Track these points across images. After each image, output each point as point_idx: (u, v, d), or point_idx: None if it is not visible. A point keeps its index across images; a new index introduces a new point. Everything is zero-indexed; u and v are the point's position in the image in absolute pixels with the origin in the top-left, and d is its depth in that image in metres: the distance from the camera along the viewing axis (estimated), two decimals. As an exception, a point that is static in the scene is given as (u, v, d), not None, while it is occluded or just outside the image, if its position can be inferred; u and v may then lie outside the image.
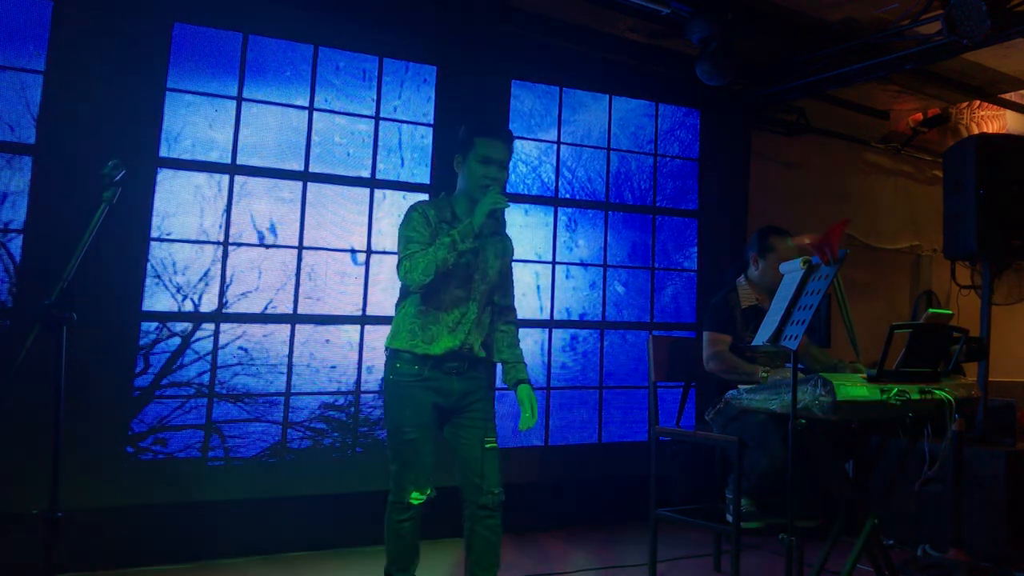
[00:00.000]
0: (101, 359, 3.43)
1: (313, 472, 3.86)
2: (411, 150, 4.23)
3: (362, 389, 4.03)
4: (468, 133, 2.67)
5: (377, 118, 4.15)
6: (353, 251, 4.05)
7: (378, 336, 4.06)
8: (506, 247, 2.81)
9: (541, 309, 4.57)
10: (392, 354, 2.65)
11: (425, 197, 4.20)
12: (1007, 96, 5.68)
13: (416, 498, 2.59)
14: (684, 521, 3.48)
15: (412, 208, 2.64)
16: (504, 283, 2.80)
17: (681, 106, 5.11)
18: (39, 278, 3.31)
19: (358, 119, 4.10)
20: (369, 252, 4.08)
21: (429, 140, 4.27)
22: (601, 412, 4.73)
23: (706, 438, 3.39)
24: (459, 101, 4.32)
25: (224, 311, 3.73)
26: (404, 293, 2.67)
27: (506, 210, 4.50)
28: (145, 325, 3.56)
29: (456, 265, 2.52)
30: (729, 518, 3.18)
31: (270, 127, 3.88)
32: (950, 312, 2.82)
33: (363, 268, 4.07)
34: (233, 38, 3.81)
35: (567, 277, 4.68)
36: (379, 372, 4.07)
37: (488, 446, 2.64)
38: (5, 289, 3.31)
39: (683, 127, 5.15)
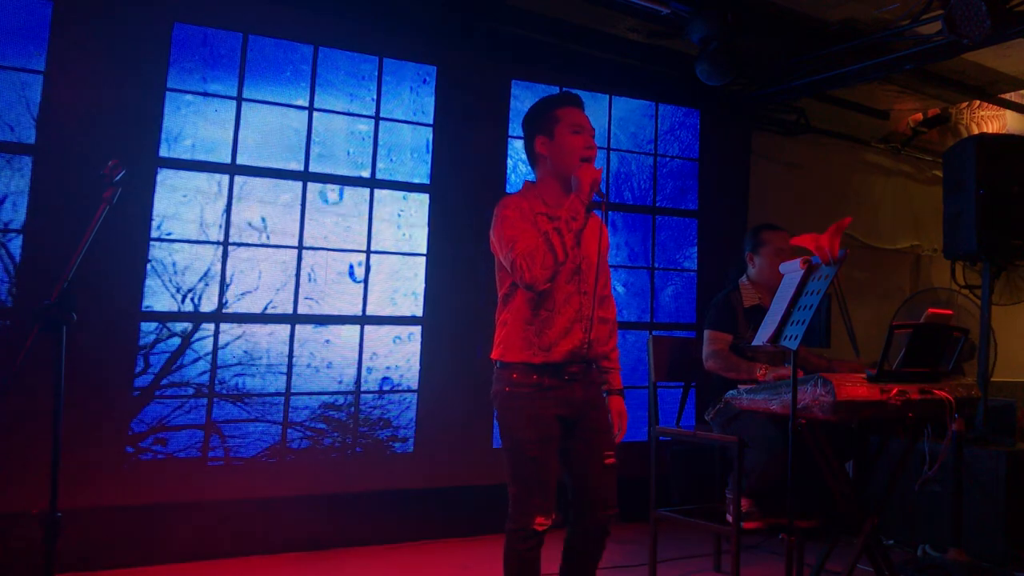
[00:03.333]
0: (101, 359, 3.43)
1: (313, 472, 3.86)
2: (411, 150, 4.23)
3: (362, 389, 4.03)
4: (546, 109, 2.40)
5: (377, 118, 4.15)
6: (352, 261, 4.05)
7: (378, 336, 4.07)
8: (601, 226, 2.47)
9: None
10: (504, 367, 2.35)
11: (426, 197, 4.23)
12: (1007, 96, 5.68)
13: (542, 523, 2.26)
14: (684, 521, 3.47)
15: (502, 206, 2.34)
16: (604, 268, 2.50)
17: (681, 106, 5.11)
18: (39, 278, 3.31)
19: (358, 119, 4.10)
20: (369, 252, 4.08)
21: (429, 140, 4.27)
22: (601, 412, 4.72)
23: (706, 438, 3.38)
24: (459, 101, 4.32)
25: (224, 311, 3.72)
26: (507, 299, 2.38)
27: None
28: (145, 325, 3.56)
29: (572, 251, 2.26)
30: (729, 518, 3.18)
31: (270, 127, 3.88)
32: (950, 312, 2.82)
33: (363, 269, 4.07)
34: (233, 38, 3.81)
35: (567, 277, 4.68)
36: (379, 372, 4.08)
37: (608, 462, 2.38)
38: (5, 289, 3.31)
39: (683, 127, 5.15)
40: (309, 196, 3.95)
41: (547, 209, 2.36)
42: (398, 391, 4.12)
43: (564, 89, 4.66)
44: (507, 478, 2.30)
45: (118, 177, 2.11)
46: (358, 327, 4.03)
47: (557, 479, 2.32)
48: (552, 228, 2.23)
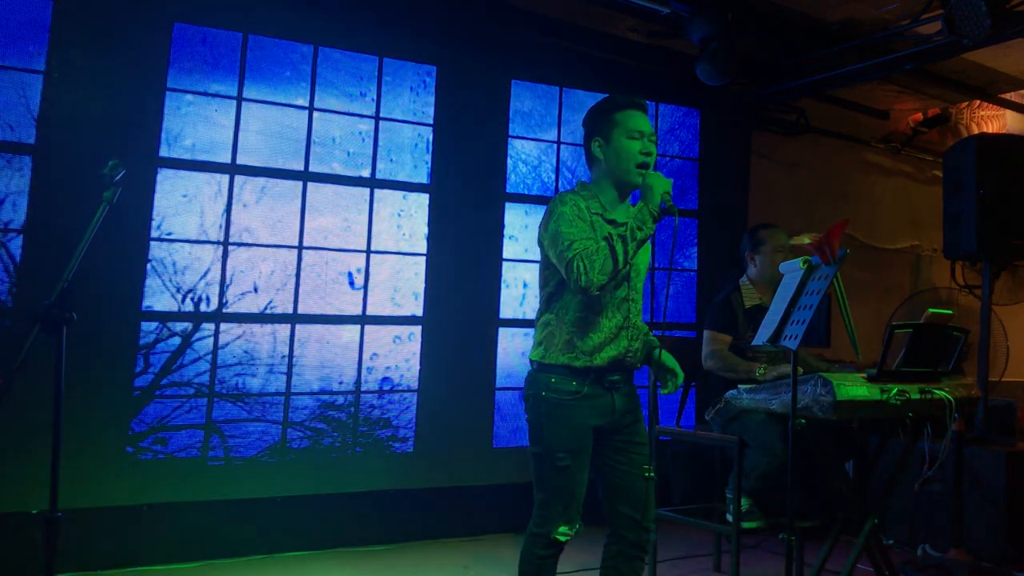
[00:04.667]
0: (101, 359, 3.43)
1: (313, 472, 3.86)
2: (411, 150, 4.23)
3: (362, 389, 4.03)
4: (605, 111, 2.32)
5: (377, 118, 4.14)
6: (352, 261, 4.05)
7: (378, 336, 4.07)
8: None
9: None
10: (543, 368, 2.26)
11: (426, 197, 4.22)
12: (1007, 96, 5.68)
13: (564, 533, 2.22)
14: (684, 521, 3.48)
15: (560, 202, 2.23)
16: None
17: (681, 106, 5.11)
18: (39, 278, 3.31)
19: (358, 119, 4.10)
20: (369, 252, 4.08)
21: (429, 140, 4.27)
22: (601, 412, 4.71)
23: (706, 438, 3.39)
24: (459, 101, 4.32)
25: (224, 311, 3.72)
26: (551, 299, 2.29)
27: (506, 211, 4.53)
28: (145, 325, 3.56)
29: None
30: (729, 518, 3.18)
31: (270, 127, 3.88)
32: (950, 312, 2.82)
33: (363, 271, 4.06)
34: (233, 38, 3.81)
35: (567, 277, 4.67)
36: (379, 372, 4.08)
37: (648, 475, 2.31)
38: (5, 289, 3.31)
39: (683, 127, 5.15)
40: (309, 196, 3.95)
41: (602, 212, 2.29)
42: (398, 391, 4.12)
43: (565, 89, 4.69)
44: (534, 482, 2.26)
45: (118, 177, 2.10)
46: (358, 327, 4.03)
47: (587, 488, 2.28)
48: (617, 234, 2.13)
